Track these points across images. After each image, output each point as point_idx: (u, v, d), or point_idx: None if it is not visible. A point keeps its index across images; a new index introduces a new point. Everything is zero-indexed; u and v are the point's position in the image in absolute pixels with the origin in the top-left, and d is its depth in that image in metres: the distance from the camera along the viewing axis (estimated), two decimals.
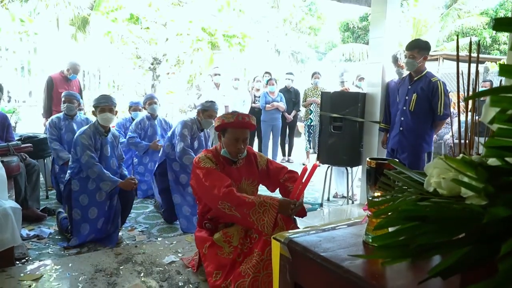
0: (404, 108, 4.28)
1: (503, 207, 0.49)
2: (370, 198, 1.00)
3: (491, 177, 0.46)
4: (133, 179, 3.94)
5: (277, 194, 3.10)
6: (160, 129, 5.72)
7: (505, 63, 0.54)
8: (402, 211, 0.62)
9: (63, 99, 5.30)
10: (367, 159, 1.22)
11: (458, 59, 1.14)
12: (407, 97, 4.25)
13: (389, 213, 0.70)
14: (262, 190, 3.25)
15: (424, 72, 4.20)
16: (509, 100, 0.46)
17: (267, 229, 2.44)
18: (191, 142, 4.51)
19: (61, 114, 5.31)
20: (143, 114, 5.81)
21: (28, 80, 9.69)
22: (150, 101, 5.67)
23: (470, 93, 1.01)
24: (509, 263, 0.48)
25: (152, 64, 7.73)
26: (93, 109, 3.95)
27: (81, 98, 6.65)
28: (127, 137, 5.58)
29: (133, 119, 5.90)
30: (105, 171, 3.82)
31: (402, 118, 4.30)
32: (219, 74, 7.64)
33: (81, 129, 3.96)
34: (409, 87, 4.25)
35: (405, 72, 4.54)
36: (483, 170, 0.46)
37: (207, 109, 4.46)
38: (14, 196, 3.88)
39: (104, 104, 3.87)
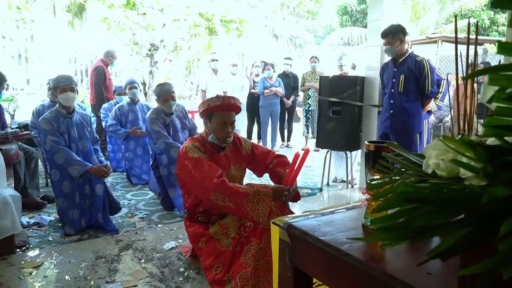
0: (393, 90, 4.30)
1: (502, 187, 0.48)
2: (369, 181, 0.99)
3: (490, 156, 0.46)
4: (106, 166, 3.82)
5: (267, 179, 3.09)
6: (141, 113, 5.68)
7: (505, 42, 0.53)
8: (401, 193, 0.62)
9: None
10: (366, 142, 1.22)
11: (456, 41, 1.13)
12: (394, 80, 4.27)
13: (388, 196, 0.69)
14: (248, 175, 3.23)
15: (407, 54, 4.24)
16: (508, 78, 0.45)
17: (262, 218, 2.41)
18: (166, 130, 4.44)
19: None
20: (126, 98, 5.79)
21: (25, 68, 9.63)
22: (130, 85, 5.67)
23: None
24: (508, 243, 0.47)
25: (150, 50, 7.66)
26: (53, 90, 3.87)
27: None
28: (107, 124, 5.60)
29: (117, 104, 5.89)
30: (73, 154, 3.69)
31: (392, 101, 4.32)
32: (216, 60, 7.60)
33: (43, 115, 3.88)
34: (395, 69, 4.27)
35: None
36: (482, 150, 0.45)
37: (161, 94, 4.38)
38: (13, 184, 3.89)
39: (64, 84, 3.76)
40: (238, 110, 2.85)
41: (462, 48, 0.97)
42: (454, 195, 0.53)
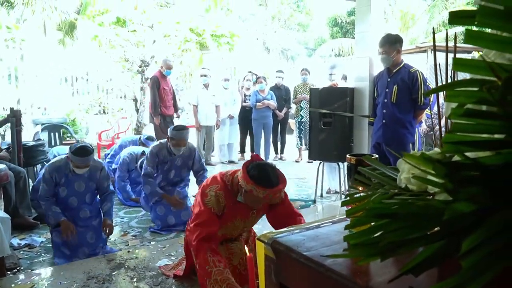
0: (385, 100, 4.32)
1: (465, 202, 0.48)
2: (344, 196, 0.99)
3: (450, 172, 0.45)
4: (72, 229, 3.63)
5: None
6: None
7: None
8: (369, 209, 0.62)
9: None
10: (347, 155, 1.22)
11: (435, 51, 1.14)
12: (387, 90, 4.29)
13: (360, 212, 0.69)
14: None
15: (402, 64, 4.26)
16: (466, 94, 0.45)
17: None
18: (161, 165, 4.47)
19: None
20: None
21: (16, 88, 9.60)
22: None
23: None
24: (471, 260, 0.47)
25: (140, 66, 7.68)
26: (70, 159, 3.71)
27: (174, 94, 7.27)
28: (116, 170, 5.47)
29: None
30: (52, 205, 3.68)
31: (384, 111, 4.34)
32: (206, 75, 7.63)
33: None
34: (389, 79, 4.29)
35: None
36: (440, 166, 0.45)
37: (174, 138, 4.30)
38: (3, 206, 3.85)
39: (81, 163, 3.67)
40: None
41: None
42: (418, 210, 0.52)
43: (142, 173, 4.42)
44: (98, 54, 9.41)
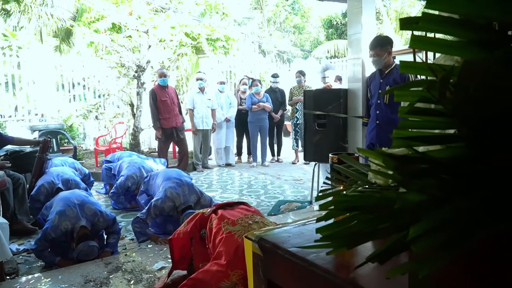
0: (379, 101, 4.37)
1: (416, 193, 0.52)
2: (318, 193, 1.03)
3: (399, 165, 0.50)
4: None
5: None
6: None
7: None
8: (336, 202, 0.66)
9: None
10: (330, 154, 1.26)
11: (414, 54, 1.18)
12: (380, 91, 4.34)
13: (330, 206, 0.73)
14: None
15: (393, 65, 4.32)
16: (411, 94, 0.49)
17: None
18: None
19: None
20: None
21: (13, 95, 9.63)
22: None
23: None
24: (421, 245, 0.51)
25: (136, 72, 7.72)
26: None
27: (179, 103, 7.19)
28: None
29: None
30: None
31: (378, 112, 4.38)
32: (201, 79, 7.69)
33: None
34: (381, 80, 4.34)
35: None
36: (390, 159, 0.49)
37: None
38: (1, 212, 3.88)
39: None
40: None
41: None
42: (376, 202, 0.57)
43: (138, 215, 4.20)
44: (94, 60, 9.45)
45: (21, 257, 3.88)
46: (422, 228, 0.50)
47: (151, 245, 3.97)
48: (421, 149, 0.53)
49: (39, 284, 3.17)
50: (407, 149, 0.51)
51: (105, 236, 3.95)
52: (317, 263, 1.08)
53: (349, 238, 0.67)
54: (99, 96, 10.33)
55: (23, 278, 3.31)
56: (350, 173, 0.82)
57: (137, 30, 7.94)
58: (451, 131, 0.56)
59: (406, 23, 0.53)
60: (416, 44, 0.50)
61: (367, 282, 0.97)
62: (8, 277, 3.36)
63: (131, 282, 3.14)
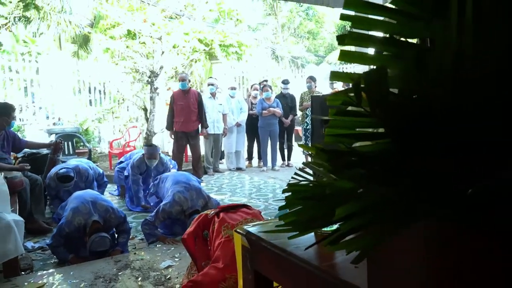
0: None
1: (345, 181, 0.63)
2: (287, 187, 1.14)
3: (330, 158, 0.61)
4: None
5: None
6: (155, 171, 5.81)
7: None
8: (293, 192, 0.77)
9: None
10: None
11: None
12: None
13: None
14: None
15: None
16: (339, 98, 0.60)
17: None
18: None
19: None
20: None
21: (31, 100, 9.92)
22: (149, 156, 5.72)
23: None
24: (349, 225, 0.62)
25: (150, 77, 7.91)
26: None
27: (201, 108, 7.27)
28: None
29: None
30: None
31: None
32: (213, 84, 7.85)
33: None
34: None
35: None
36: (322, 153, 0.60)
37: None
38: (18, 210, 4.06)
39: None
40: None
41: None
42: (320, 191, 0.68)
43: (147, 218, 4.34)
44: (110, 66, 9.69)
45: (36, 254, 4.04)
46: (348, 210, 0.61)
47: (159, 245, 4.11)
48: (357, 144, 0.63)
49: (51, 279, 3.32)
50: (340, 144, 0.62)
51: (116, 236, 4.10)
52: (295, 253, 1.19)
53: (303, 224, 0.78)
54: (114, 101, 10.56)
55: (37, 274, 3.47)
56: (315, 169, 0.93)
57: (151, 37, 8.13)
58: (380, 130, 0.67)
59: (340, 40, 0.64)
60: (344, 58, 0.61)
61: (335, 269, 1.08)
62: (23, 273, 3.51)
63: (139, 279, 3.27)
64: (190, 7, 11.64)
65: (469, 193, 0.65)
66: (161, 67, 8.07)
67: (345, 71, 0.70)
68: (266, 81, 8.95)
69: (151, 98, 7.99)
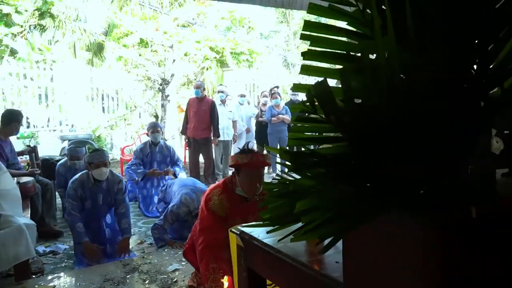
0: None
1: (307, 179, 0.70)
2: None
3: (293, 158, 0.68)
4: (98, 249, 3.93)
5: None
6: (160, 154, 6.10)
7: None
8: (269, 191, 0.84)
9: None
10: None
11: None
12: None
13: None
14: None
15: None
16: (299, 107, 0.67)
17: None
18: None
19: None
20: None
21: (46, 107, 10.14)
22: (153, 129, 6.09)
23: None
24: (307, 217, 0.69)
25: (161, 85, 8.05)
26: (88, 164, 4.11)
27: (213, 116, 7.28)
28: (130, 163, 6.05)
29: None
30: (77, 222, 3.92)
31: None
32: (222, 92, 7.96)
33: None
34: None
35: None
36: (286, 154, 0.67)
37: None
38: (29, 214, 4.17)
39: (98, 160, 4.04)
40: (267, 165, 2.86)
41: None
42: (284, 188, 0.75)
43: (157, 222, 4.48)
44: (123, 73, 9.87)
45: (47, 258, 4.15)
46: (307, 204, 0.68)
47: (167, 249, 4.18)
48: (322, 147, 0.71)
49: (61, 282, 3.41)
50: (304, 147, 0.69)
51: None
52: (282, 250, 1.26)
53: (277, 219, 0.85)
54: (126, 108, 10.74)
55: (48, 277, 3.57)
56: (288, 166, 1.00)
57: (163, 45, 8.28)
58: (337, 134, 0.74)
59: (305, 55, 0.71)
60: (304, 72, 0.68)
61: (318, 265, 1.14)
62: (33, 276, 3.62)
63: (146, 282, 3.35)
64: (202, 15, 11.81)
65: (422, 192, 0.71)
66: (172, 75, 8.20)
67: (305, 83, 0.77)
68: (277, 87, 9.02)
69: (162, 106, 8.13)
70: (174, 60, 8.16)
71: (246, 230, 1.46)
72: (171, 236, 4.54)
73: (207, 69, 10.99)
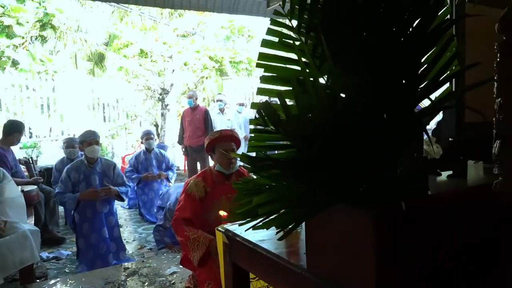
0: None
1: (262, 178, 0.86)
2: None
3: (251, 161, 0.84)
4: (97, 191, 4.18)
5: None
6: (154, 161, 6.33)
7: None
8: (237, 189, 1.00)
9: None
10: None
11: None
12: None
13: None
14: None
15: None
16: (254, 121, 0.83)
17: (195, 261, 2.78)
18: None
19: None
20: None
21: (48, 117, 10.32)
22: (147, 136, 6.34)
23: None
24: (264, 209, 0.85)
25: (161, 94, 8.23)
26: (80, 144, 4.42)
27: (207, 123, 7.44)
28: (125, 171, 6.26)
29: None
30: (65, 195, 4.15)
31: None
32: (221, 101, 8.13)
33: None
34: None
35: None
36: (245, 158, 0.83)
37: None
38: (33, 221, 4.33)
39: (90, 139, 4.30)
40: (236, 141, 3.16)
41: None
42: (246, 187, 0.91)
43: (158, 223, 4.80)
44: (123, 83, 10.06)
45: (50, 263, 4.30)
46: (263, 199, 0.84)
47: (166, 254, 4.33)
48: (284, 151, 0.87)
49: (64, 285, 3.56)
50: (259, 153, 0.85)
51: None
52: (260, 245, 1.41)
53: (247, 213, 1.01)
54: (127, 117, 10.92)
55: (51, 281, 3.72)
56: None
57: (162, 56, 8.48)
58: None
59: (260, 79, 0.88)
60: (260, 93, 0.84)
61: (289, 256, 1.30)
62: (37, 280, 3.77)
63: (145, 284, 3.50)
64: (202, 25, 12.03)
65: (361, 190, 0.87)
66: (172, 85, 8.39)
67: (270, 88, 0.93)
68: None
69: (162, 115, 8.30)
70: (173, 70, 8.35)
71: (231, 228, 1.62)
72: (169, 240, 4.70)
73: (206, 78, 11.19)
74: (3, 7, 11.13)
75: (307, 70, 0.82)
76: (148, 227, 5.49)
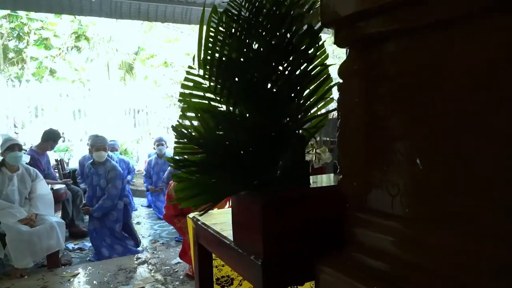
0: None
1: (183, 173, 1.34)
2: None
3: (176, 163, 1.31)
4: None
5: None
6: (165, 166, 6.77)
7: None
8: (174, 176, 1.48)
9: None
10: None
11: None
12: None
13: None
14: None
15: None
16: (181, 132, 1.31)
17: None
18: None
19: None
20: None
21: (82, 122, 11.07)
22: (158, 143, 6.86)
23: None
24: (180, 194, 1.33)
25: None
26: (91, 147, 5.03)
27: None
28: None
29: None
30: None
31: None
32: None
33: None
34: None
35: None
36: (172, 160, 1.30)
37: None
38: (60, 215, 4.93)
39: (99, 144, 4.84)
40: None
41: None
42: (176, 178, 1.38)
43: None
44: (149, 91, 10.71)
45: (75, 253, 4.88)
46: (182, 186, 1.31)
47: (174, 247, 4.85)
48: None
49: (84, 270, 4.12)
50: (186, 157, 1.33)
51: None
52: (214, 228, 1.88)
53: (183, 198, 1.48)
54: (153, 124, 11.59)
55: (74, 267, 4.29)
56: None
57: (183, 66, 9.06)
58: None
59: (181, 111, 1.36)
60: (182, 117, 1.32)
61: (228, 233, 1.76)
62: (63, 266, 4.34)
63: (152, 271, 4.02)
64: None
65: (255, 182, 1.33)
66: None
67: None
68: None
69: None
70: None
71: (197, 215, 2.10)
72: (180, 238, 5.22)
73: None
74: (41, 21, 11.98)
75: (211, 103, 1.29)
76: (163, 225, 6.02)
